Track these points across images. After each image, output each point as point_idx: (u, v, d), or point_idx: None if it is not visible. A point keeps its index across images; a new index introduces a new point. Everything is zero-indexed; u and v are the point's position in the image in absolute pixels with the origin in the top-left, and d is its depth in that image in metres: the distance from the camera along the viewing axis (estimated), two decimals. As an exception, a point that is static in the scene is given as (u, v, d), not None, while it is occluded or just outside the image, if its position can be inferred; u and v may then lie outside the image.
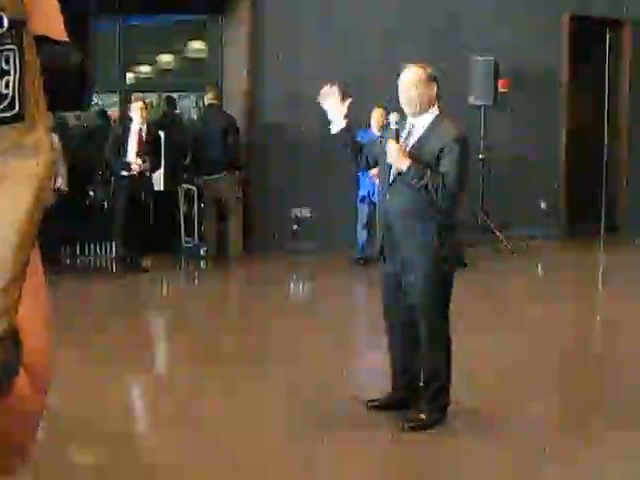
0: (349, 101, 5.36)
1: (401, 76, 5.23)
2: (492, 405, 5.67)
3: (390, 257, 5.29)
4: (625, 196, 13.88)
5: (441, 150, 5.03)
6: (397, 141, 5.14)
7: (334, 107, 5.35)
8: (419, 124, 5.19)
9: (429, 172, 4.99)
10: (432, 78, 5.19)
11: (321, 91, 5.38)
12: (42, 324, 1.65)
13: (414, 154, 5.10)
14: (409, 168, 5.04)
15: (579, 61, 13.67)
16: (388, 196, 5.24)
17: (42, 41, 1.58)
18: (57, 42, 1.67)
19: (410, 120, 5.24)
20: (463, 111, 12.10)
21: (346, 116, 5.34)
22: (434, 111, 5.20)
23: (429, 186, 4.96)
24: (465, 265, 5.23)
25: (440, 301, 5.14)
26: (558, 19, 13.06)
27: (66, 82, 1.74)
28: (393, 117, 5.26)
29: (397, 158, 5.09)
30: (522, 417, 5.42)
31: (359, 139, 5.58)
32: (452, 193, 5.00)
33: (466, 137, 5.18)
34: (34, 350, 1.57)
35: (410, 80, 5.17)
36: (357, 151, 5.40)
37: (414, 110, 5.18)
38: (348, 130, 5.36)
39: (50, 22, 1.65)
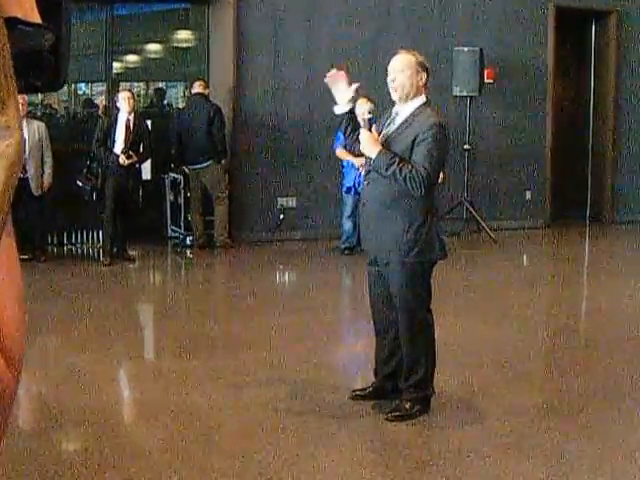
0: (356, 85, 5.33)
1: (391, 61, 5.22)
2: (477, 394, 5.70)
3: (368, 246, 5.35)
4: (610, 185, 13.93)
5: (415, 138, 5.01)
6: (369, 130, 5.17)
7: (341, 90, 5.31)
8: (403, 112, 5.17)
9: (398, 160, 4.97)
10: (422, 66, 5.15)
11: (329, 73, 5.34)
12: (15, 301, 1.67)
13: (389, 142, 5.12)
14: (378, 156, 5.07)
15: (565, 51, 13.72)
16: (366, 185, 5.29)
17: (15, 23, 1.60)
18: (30, 24, 1.68)
19: (396, 108, 5.23)
20: (448, 102, 12.16)
21: (350, 100, 5.33)
22: (420, 100, 5.16)
23: (397, 174, 4.95)
24: (445, 255, 5.20)
25: (417, 291, 5.13)
26: (544, 9, 13.08)
27: (39, 63, 1.76)
28: (366, 107, 5.29)
29: (367, 146, 5.12)
30: (507, 406, 5.44)
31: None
32: (422, 181, 4.92)
33: (442, 125, 5.07)
34: (7, 325, 1.59)
35: (399, 65, 5.16)
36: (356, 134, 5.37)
37: (400, 95, 5.15)
38: (351, 113, 5.35)
39: (23, 4, 1.67)
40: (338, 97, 5.31)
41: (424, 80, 5.16)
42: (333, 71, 5.34)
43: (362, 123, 5.22)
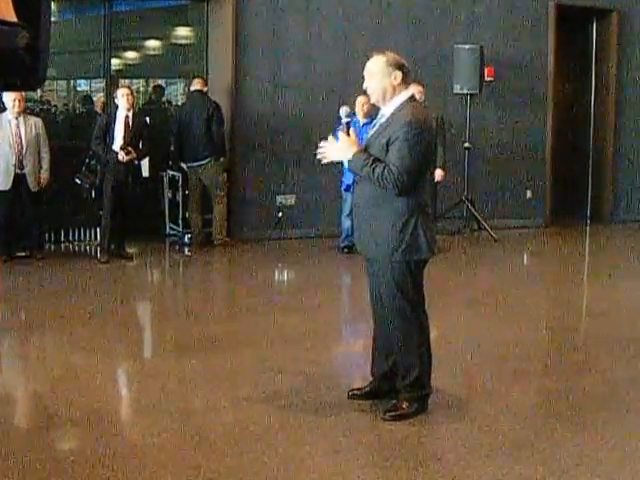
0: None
1: (365, 66, 5.18)
2: (475, 393, 5.68)
3: (360, 246, 5.33)
4: (610, 184, 13.90)
5: (389, 139, 4.95)
6: (347, 134, 5.13)
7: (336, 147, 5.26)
8: (386, 113, 5.12)
9: (371, 161, 4.93)
10: (394, 65, 5.05)
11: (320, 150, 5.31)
12: None
13: (369, 144, 5.09)
14: (352, 158, 5.04)
15: (565, 49, 13.68)
16: (357, 185, 5.28)
17: None
18: (5, 23, 1.65)
19: (381, 110, 5.19)
20: (448, 100, 12.14)
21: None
22: (400, 99, 5.08)
23: (370, 175, 4.91)
24: (432, 254, 5.14)
25: (405, 290, 5.08)
26: (545, 7, 13.05)
27: (16, 61, 1.73)
28: (343, 111, 5.26)
29: (342, 149, 5.10)
30: (505, 404, 5.42)
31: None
32: (396, 181, 4.86)
33: (413, 122, 4.92)
34: None
35: (368, 69, 5.12)
36: None
37: (377, 99, 5.13)
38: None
39: None
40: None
41: (399, 79, 5.06)
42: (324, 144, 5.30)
43: (340, 126, 5.22)
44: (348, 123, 5.22)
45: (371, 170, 4.92)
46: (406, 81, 5.11)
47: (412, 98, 5.15)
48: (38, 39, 1.77)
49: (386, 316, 5.19)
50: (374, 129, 5.19)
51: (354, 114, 8.78)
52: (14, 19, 1.69)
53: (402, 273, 5.05)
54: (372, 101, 5.20)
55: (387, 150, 4.95)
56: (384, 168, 4.89)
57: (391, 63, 5.07)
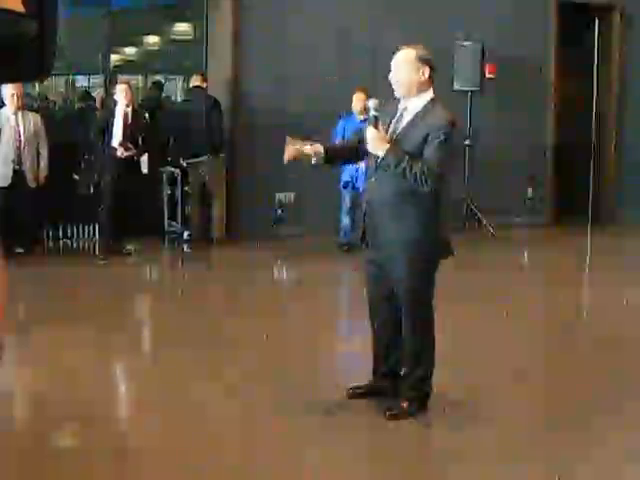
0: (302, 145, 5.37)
1: (394, 57, 5.13)
2: (476, 392, 5.64)
3: (372, 243, 5.24)
4: (612, 183, 13.87)
5: (426, 136, 4.90)
6: (376, 127, 5.04)
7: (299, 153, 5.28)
8: (410, 108, 5.06)
9: (407, 158, 4.87)
10: (424, 60, 5.04)
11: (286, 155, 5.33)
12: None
13: (398, 139, 5.02)
14: (387, 154, 4.96)
15: (567, 46, 13.63)
16: (373, 181, 5.17)
17: None
18: (12, 12, 1.64)
19: (403, 103, 5.12)
20: (449, 97, 12.08)
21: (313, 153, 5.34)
22: (426, 95, 5.06)
23: (407, 172, 4.86)
24: (452, 254, 5.10)
25: (422, 287, 5.06)
26: (546, 4, 13.00)
27: (22, 52, 1.70)
28: (372, 103, 5.15)
29: (374, 145, 5.02)
30: (506, 404, 5.39)
31: (358, 139, 5.35)
32: (432, 179, 4.84)
33: (454, 123, 5.00)
34: None
35: (398, 61, 5.07)
36: (363, 152, 5.26)
37: (403, 92, 5.06)
38: (328, 155, 5.29)
39: None
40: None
41: (427, 75, 5.03)
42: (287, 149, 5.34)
43: (368, 120, 5.12)
44: (376, 117, 5.07)
45: (408, 167, 4.85)
46: (431, 79, 5.08)
47: (436, 97, 5.11)
48: (45, 30, 1.75)
49: (393, 315, 5.15)
50: (400, 123, 5.07)
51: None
52: (21, 9, 1.66)
53: (422, 272, 5.02)
54: (397, 94, 5.12)
55: (422, 147, 4.90)
56: (422, 166, 4.84)
57: (422, 58, 5.05)
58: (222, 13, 11.52)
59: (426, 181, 4.84)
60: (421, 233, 4.96)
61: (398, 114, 5.12)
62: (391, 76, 5.11)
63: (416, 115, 5.03)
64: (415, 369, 5.12)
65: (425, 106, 5.03)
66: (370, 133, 5.02)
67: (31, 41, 1.73)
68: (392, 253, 5.06)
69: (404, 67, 5.04)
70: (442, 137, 4.89)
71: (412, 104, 5.07)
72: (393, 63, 5.10)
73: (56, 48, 1.90)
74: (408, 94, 5.06)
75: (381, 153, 4.98)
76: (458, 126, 5.10)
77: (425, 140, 4.91)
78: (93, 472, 4.35)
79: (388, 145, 4.97)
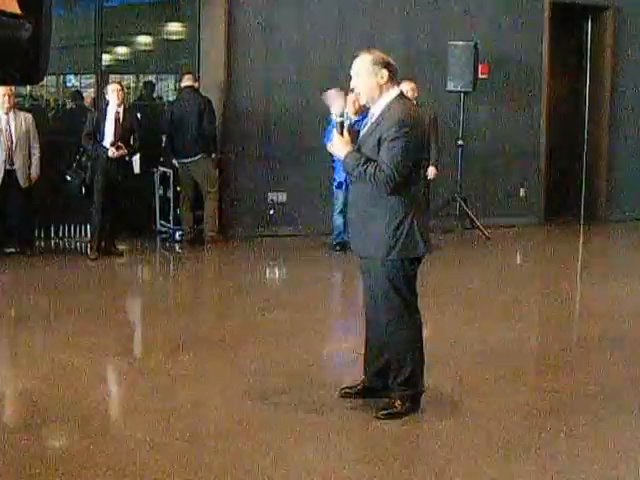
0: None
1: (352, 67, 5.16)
2: (468, 392, 5.63)
3: (354, 245, 5.31)
4: (605, 183, 13.86)
5: (380, 137, 4.93)
6: (341, 133, 5.12)
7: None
8: (376, 112, 5.08)
9: (363, 161, 4.92)
10: (379, 63, 5.02)
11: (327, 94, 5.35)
12: None
13: (361, 144, 5.07)
14: (345, 158, 5.05)
15: (560, 46, 13.63)
16: (352, 184, 5.26)
17: None
18: (7, 14, 1.63)
19: (371, 109, 5.14)
20: (442, 97, 12.08)
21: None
22: (388, 97, 5.04)
23: (362, 175, 4.91)
24: (429, 251, 5.08)
25: (399, 289, 5.04)
26: (539, 3, 13.00)
27: (17, 54, 1.69)
28: (337, 109, 5.28)
29: (336, 149, 5.13)
30: (499, 404, 5.38)
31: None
32: (387, 181, 4.85)
33: (404, 120, 4.91)
34: None
35: (354, 69, 5.09)
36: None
37: (366, 99, 5.09)
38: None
39: None
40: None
41: (386, 77, 5.01)
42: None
43: (335, 125, 5.20)
44: (341, 122, 5.17)
45: (363, 170, 4.91)
46: (393, 79, 5.07)
47: (401, 95, 5.13)
48: (40, 32, 1.74)
49: (379, 314, 5.15)
50: (365, 128, 5.15)
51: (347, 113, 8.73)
52: (17, 11, 1.65)
53: (397, 272, 5.01)
54: (362, 102, 5.17)
55: (378, 149, 4.92)
56: (375, 168, 4.87)
57: (377, 62, 5.03)
58: (215, 13, 11.49)
59: (381, 182, 4.86)
60: (392, 233, 4.95)
61: (367, 119, 5.18)
62: (352, 85, 5.14)
63: (377, 118, 5.06)
64: (403, 369, 5.11)
65: (385, 107, 5.03)
66: (334, 138, 5.13)
67: (27, 43, 1.73)
68: (369, 255, 5.10)
69: (361, 74, 5.06)
70: (392, 135, 4.89)
71: (376, 108, 5.09)
72: (352, 72, 5.12)
73: (50, 50, 1.89)
74: (372, 99, 5.08)
75: (342, 157, 5.08)
76: (415, 122, 5.00)
77: (379, 142, 4.94)
78: (83, 473, 4.32)
79: (348, 149, 5.04)
